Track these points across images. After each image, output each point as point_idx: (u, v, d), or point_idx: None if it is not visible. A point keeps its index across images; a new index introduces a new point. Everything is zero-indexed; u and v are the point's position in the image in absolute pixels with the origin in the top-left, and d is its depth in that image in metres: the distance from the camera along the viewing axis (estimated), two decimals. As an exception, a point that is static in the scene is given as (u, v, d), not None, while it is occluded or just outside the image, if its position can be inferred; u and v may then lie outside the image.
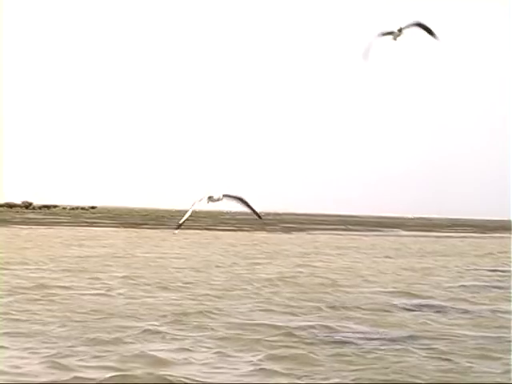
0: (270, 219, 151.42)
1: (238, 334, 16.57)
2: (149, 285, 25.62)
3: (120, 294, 23.08)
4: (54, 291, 23.01)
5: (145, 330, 16.60)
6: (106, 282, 26.25)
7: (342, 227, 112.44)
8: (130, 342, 15.39)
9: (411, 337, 16.80)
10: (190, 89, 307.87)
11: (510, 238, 75.80)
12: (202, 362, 14.04)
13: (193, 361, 14.07)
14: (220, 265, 34.48)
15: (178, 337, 16.27)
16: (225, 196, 11.57)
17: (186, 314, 19.04)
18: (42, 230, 68.99)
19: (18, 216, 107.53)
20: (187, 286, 25.73)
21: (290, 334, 16.70)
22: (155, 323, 17.73)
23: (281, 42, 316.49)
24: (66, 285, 24.85)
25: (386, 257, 44.45)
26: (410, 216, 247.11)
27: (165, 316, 18.79)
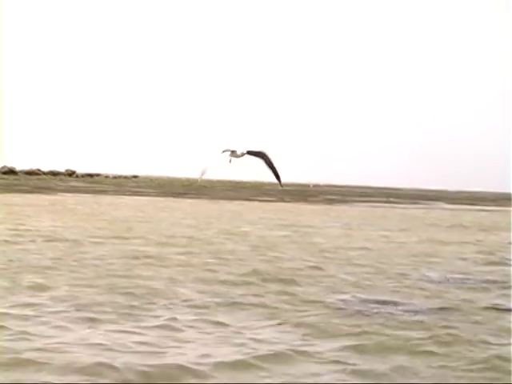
0: (311, 190, 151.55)
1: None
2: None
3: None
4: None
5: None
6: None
7: (384, 199, 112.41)
8: None
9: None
10: (208, 55, 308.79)
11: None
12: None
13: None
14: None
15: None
16: (248, 152, 11.01)
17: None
18: (83, 197, 70.04)
19: (61, 184, 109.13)
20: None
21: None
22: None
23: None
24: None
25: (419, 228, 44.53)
26: (452, 190, 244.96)
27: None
